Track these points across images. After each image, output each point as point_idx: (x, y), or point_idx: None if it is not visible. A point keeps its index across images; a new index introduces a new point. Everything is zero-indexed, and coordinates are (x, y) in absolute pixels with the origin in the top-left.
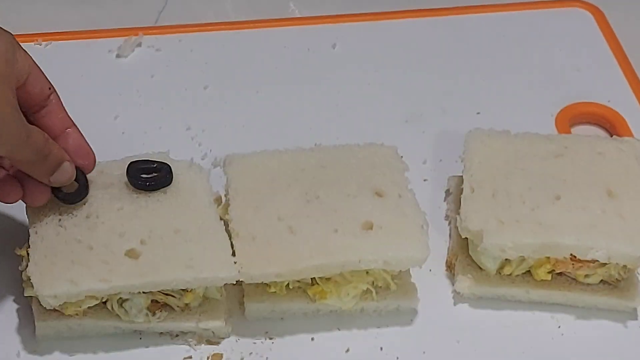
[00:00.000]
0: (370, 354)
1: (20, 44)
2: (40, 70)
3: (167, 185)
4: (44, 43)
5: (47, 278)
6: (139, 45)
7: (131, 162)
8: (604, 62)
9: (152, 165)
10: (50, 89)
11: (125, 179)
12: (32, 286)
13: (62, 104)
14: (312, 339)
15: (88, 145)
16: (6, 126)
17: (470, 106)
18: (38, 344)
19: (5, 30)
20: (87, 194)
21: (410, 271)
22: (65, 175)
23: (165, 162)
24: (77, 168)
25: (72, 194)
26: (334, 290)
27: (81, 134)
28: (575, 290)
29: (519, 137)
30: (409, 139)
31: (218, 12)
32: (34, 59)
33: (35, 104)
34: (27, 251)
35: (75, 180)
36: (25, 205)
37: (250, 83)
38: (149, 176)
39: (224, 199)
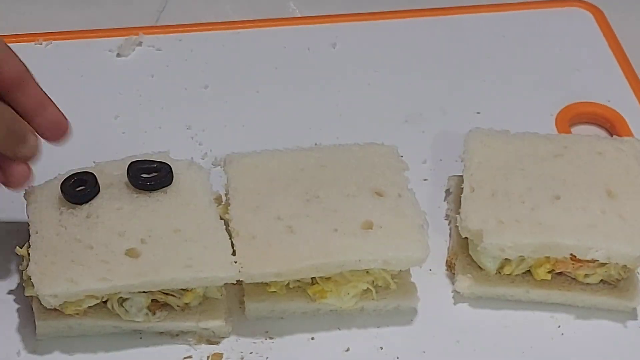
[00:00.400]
0: (370, 354)
1: (21, 43)
2: (13, 52)
3: (168, 185)
4: (44, 43)
5: (48, 277)
6: (139, 44)
7: (131, 162)
8: (604, 62)
9: (153, 165)
10: (24, 70)
11: (126, 178)
12: (33, 285)
13: (37, 82)
14: (312, 338)
15: (65, 119)
16: None
17: (470, 106)
18: (38, 343)
19: None
20: (97, 193)
21: (410, 271)
22: (30, 148)
23: (165, 162)
24: (88, 173)
25: (82, 194)
26: (334, 289)
27: (58, 109)
28: (575, 290)
29: (518, 137)
30: (409, 139)
31: (218, 11)
32: (34, 58)
33: (8, 85)
34: (27, 251)
35: (84, 180)
36: (25, 204)
37: (250, 83)
38: (149, 176)
39: (224, 199)
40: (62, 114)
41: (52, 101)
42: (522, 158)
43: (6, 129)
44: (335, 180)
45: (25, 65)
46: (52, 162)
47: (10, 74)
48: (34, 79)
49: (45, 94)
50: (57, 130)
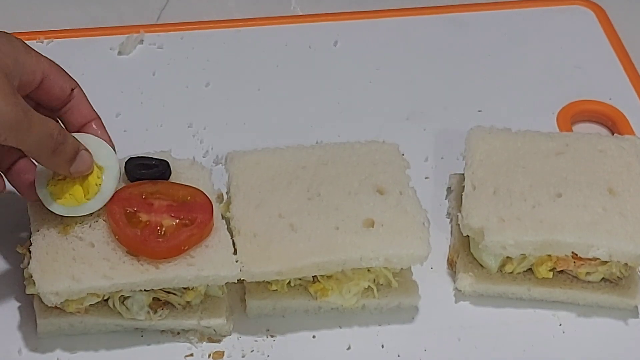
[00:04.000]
0: (372, 352)
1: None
2: (61, 70)
3: (165, 180)
4: (46, 41)
5: (49, 275)
6: (141, 42)
7: (129, 158)
8: (605, 60)
9: (151, 162)
10: (72, 88)
11: (126, 177)
12: (34, 284)
13: (86, 98)
14: (314, 336)
15: (108, 136)
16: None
17: (472, 104)
18: (39, 341)
19: (13, 36)
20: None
21: (412, 269)
22: (84, 164)
23: (162, 158)
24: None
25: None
26: (336, 287)
27: (103, 125)
28: (577, 288)
29: (520, 135)
30: (411, 137)
31: (220, 9)
32: None
33: (58, 103)
34: (28, 249)
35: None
36: (27, 202)
37: (252, 80)
38: (147, 171)
39: (225, 197)
40: (106, 130)
41: (99, 117)
42: (523, 156)
43: (49, 142)
44: (336, 178)
45: (75, 82)
46: None
47: (58, 92)
48: (83, 94)
49: (94, 110)
50: None
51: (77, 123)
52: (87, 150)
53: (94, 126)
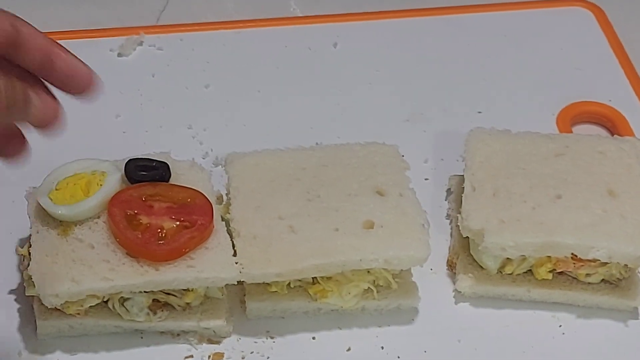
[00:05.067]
0: (372, 353)
1: None
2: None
3: (165, 182)
4: None
5: (49, 277)
6: (140, 44)
7: (130, 160)
8: (605, 61)
9: (151, 163)
10: (12, 24)
11: (126, 179)
12: (34, 285)
13: (37, 30)
14: (313, 338)
15: (82, 63)
16: None
17: (472, 105)
18: (39, 343)
19: None
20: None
21: (411, 270)
22: (39, 109)
23: (163, 160)
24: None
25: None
26: (335, 289)
27: (70, 53)
28: (577, 289)
29: (520, 136)
30: (410, 138)
31: (219, 11)
32: None
33: (3, 46)
34: (28, 250)
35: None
36: (27, 203)
37: (252, 82)
38: (147, 173)
39: (225, 198)
40: (77, 58)
41: (60, 46)
42: (523, 157)
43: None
44: (336, 180)
45: (17, 17)
46: (52, 162)
47: None
48: (31, 28)
49: (51, 40)
50: (76, 77)
51: (35, 61)
52: (36, 94)
53: (59, 57)
